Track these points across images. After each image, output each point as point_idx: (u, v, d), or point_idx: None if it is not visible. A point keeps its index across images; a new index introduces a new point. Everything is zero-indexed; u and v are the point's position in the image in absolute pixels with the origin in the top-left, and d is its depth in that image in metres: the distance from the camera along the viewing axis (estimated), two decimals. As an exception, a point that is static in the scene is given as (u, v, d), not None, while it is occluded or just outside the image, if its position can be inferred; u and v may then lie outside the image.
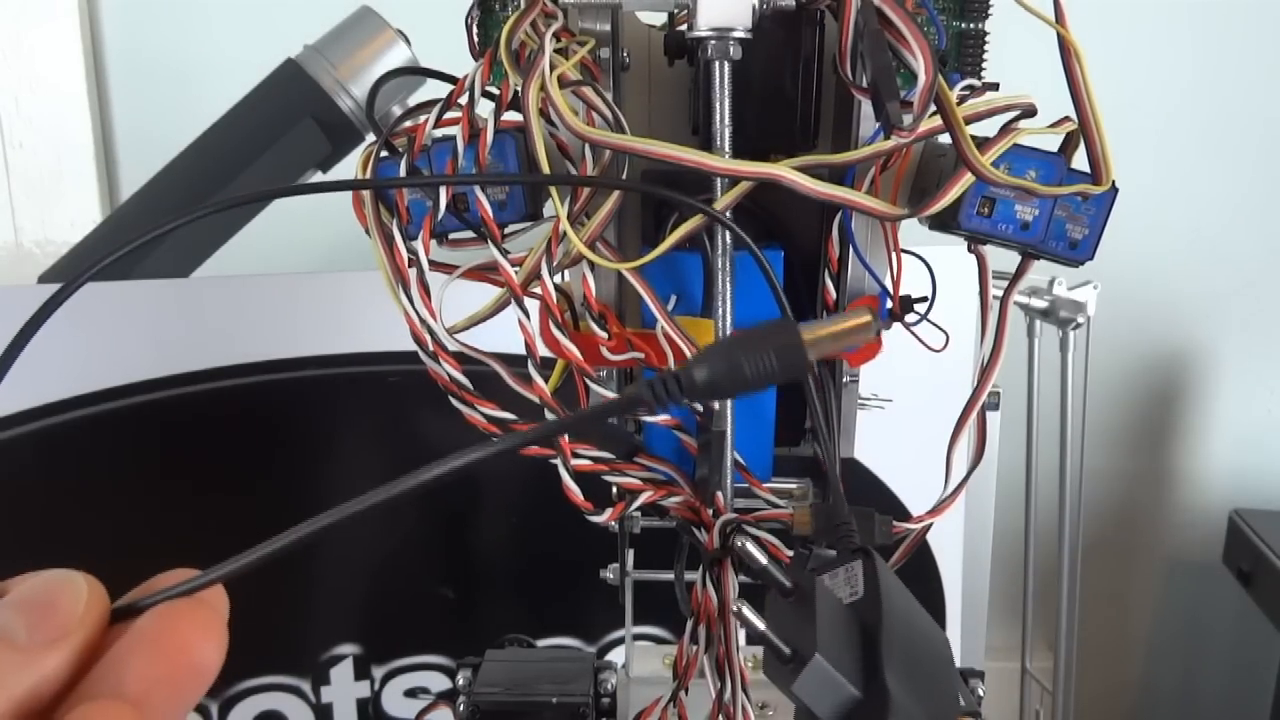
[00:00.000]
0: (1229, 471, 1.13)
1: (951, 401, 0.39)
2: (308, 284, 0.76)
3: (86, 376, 0.72)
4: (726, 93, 0.34)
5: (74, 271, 0.77)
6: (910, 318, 0.41)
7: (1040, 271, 0.47)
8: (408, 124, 0.37)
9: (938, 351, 0.41)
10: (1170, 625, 1.19)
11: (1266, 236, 1.06)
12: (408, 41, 0.69)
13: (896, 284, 0.40)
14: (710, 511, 0.37)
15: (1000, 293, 0.38)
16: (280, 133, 0.70)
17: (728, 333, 0.36)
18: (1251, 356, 1.10)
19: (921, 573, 0.87)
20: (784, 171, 0.32)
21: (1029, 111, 0.34)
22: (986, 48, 0.41)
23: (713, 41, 0.33)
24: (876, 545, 0.37)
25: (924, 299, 0.41)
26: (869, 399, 0.43)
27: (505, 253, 0.36)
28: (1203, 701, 1.21)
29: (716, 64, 0.34)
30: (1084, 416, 0.90)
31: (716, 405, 0.37)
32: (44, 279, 0.74)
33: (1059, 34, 0.33)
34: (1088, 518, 0.98)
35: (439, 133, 0.36)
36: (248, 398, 0.75)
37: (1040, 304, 0.86)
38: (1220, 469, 1.13)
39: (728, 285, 0.36)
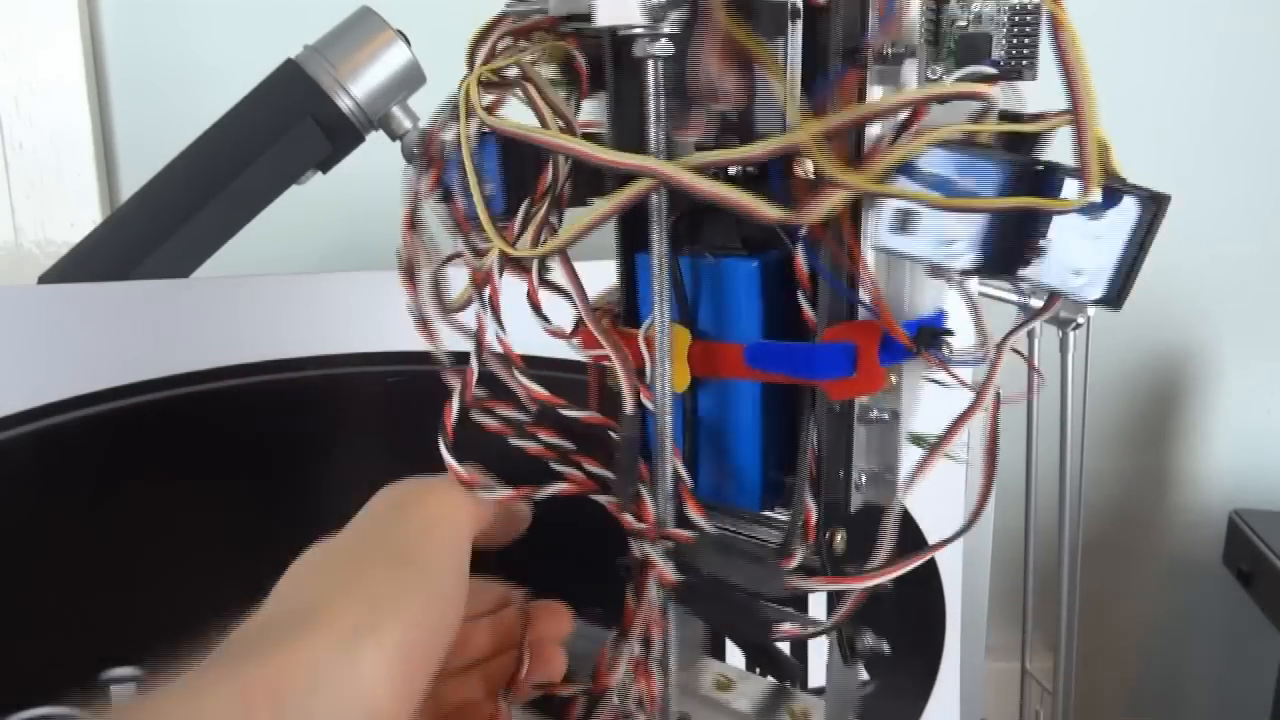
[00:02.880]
0: (1229, 472, 1.13)
1: (951, 402, 0.39)
2: (308, 284, 0.76)
3: (86, 376, 0.72)
4: (652, 92, 0.32)
5: (74, 272, 0.76)
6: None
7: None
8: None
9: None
10: (1170, 625, 1.19)
11: (1266, 236, 1.06)
12: (407, 42, 0.69)
13: (878, 300, 0.34)
14: (631, 519, 0.37)
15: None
16: (280, 133, 0.70)
17: (664, 336, 0.35)
18: (1251, 356, 1.10)
19: (921, 573, 0.87)
20: (655, 164, 0.30)
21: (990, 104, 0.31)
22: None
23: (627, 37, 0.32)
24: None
25: (950, 331, 0.37)
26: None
27: (473, 246, 0.35)
28: (1202, 702, 1.21)
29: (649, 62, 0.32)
30: (1084, 416, 0.90)
31: (630, 410, 0.36)
32: (44, 279, 0.74)
33: (1049, 10, 0.29)
34: (1088, 518, 0.98)
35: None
36: (248, 398, 0.75)
37: (1040, 304, 0.86)
38: (1220, 469, 1.13)
39: (665, 286, 0.35)
